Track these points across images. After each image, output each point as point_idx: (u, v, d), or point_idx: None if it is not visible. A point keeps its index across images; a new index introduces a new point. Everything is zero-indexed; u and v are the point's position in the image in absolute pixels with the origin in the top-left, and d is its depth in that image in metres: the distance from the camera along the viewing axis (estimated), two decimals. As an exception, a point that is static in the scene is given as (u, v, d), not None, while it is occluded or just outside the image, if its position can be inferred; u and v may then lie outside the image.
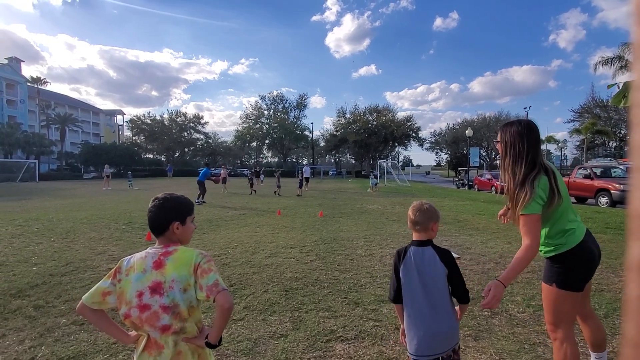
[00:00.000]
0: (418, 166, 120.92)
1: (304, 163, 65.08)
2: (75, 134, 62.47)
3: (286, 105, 63.24)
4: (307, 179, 19.93)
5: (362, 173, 50.66)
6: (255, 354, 2.81)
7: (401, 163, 73.47)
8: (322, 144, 64.68)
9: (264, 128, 60.74)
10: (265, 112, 62.30)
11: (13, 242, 6.66)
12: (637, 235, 0.21)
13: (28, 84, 54.74)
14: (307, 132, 61.27)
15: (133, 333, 1.50)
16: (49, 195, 18.27)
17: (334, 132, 58.34)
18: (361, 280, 4.58)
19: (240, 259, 5.54)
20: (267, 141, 61.95)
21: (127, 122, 64.74)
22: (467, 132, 27.89)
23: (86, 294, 1.44)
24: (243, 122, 61.85)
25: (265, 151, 68.98)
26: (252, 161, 70.05)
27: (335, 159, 72.85)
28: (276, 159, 70.77)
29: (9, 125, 43.46)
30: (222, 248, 6.29)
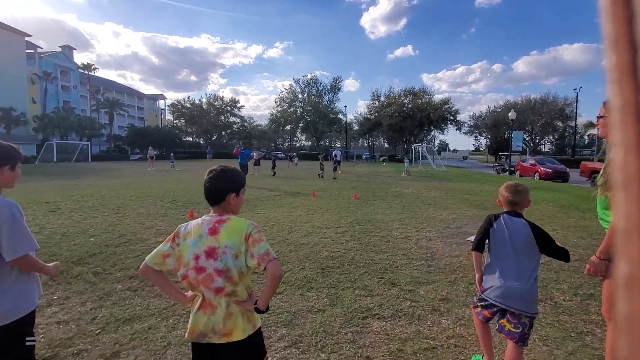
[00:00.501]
0: (455, 151, 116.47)
1: (337, 147, 64.87)
2: (122, 118, 66.18)
3: (320, 88, 62.81)
4: (338, 163, 19.83)
5: (396, 157, 49.59)
6: (294, 326, 2.92)
7: (437, 147, 70.98)
8: (356, 127, 63.86)
9: (298, 111, 60.87)
10: (300, 96, 62.29)
11: (72, 215, 7.29)
12: (623, 252, 0.21)
13: (79, 70, 58.35)
14: (340, 116, 60.73)
15: (189, 293, 1.61)
16: (100, 174, 19.68)
17: (368, 116, 57.27)
18: (397, 261, 4.56)
19: (277, 238, 5.71)
20: (300, 124, 62.12)
21: (168, 106, 67.37)
22: (510, 114, 26.14)
23: (148, 256, 1.55)
24: (277, 106, 62.34)
25: (299, 134, 69.30)
26: (286, 144, 70.81)
27: (368, 143, 71.79)
28: (310, 143, 71.00)
29: (64, 109, 46.87)
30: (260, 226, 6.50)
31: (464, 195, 11.43)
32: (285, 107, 61.48)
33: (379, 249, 5.10)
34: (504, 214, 2.25)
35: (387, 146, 67.73)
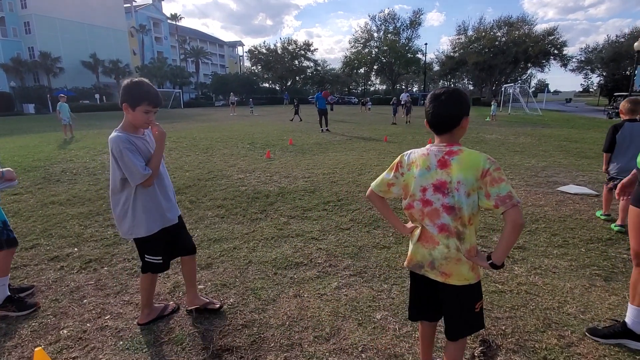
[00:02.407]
0: (556, 92, 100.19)
1: (414, 89, 60.71)
2: (206, 66, 70.27)
3: (398, 25, 57.55)
4: (401, 106, 18.65)
5: (482, 100, 44.59)
6: (360, 258, 3.10)
7: (533, 88, 61.60)
8: (436, 68, 58.35)
9: (373, 52, 57.43)
10: (375, 34, 58.20)
11: (171, 154, 8.36)
12: None
13: (169, 21, 62.25)
14: (419, 55, 55.80)
15: (409, 224, 1.59)
16: (191, 119, 21.76)
17: (451, 53, 51.48)
18: (470, 207, 4.37)
19: (347, 179, 5.85)
20: (375, 67, 58.94)
21: (246, 52, 69.23)
22: (636, 44, 20.63)
23: (374, 183, 1.57)
24: (351, 47, 59.46)
25: (373, 78, 66.24)
26: (360, 89, 68.49)
27: (450, 84, 65.58)
28: (384, 87, 67.56)
29: (158, 59, 51.47)
30: (330, 167, 6.70)
31: (561, 142, 10.06)
32: (359, 48, 58.43)
33: (452, 195, 4.92)
34: (626, 122, 3.58)
35: (471, 88, 61.10)
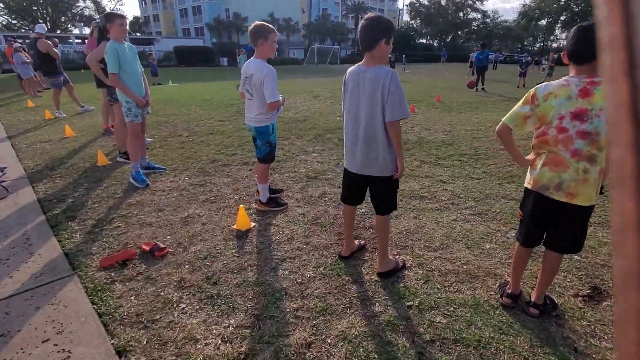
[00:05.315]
0: None
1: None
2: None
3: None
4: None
5: None
6: (484, 203, 3.27)
7: None
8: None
9: (562, 0, 45.97)
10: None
11: (326, 102, 9.48)
12: (619, 249, 0.20)
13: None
14: None
15: (530, 156, 1.73)
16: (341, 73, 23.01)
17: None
18: None
19: (491, 136, 5.60)
20: (562, 18, 47.31)
21: (406, 5, 65.86)
22: None
23: (506, 117, 1.66)
24: (535, -7, 49.03)
25: (558, 32, 53.53)
26: (537, 46, 56.62)
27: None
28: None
29: (322, 16, 54.56)
30: (474, 125, 6.48)
31: None
32: (546, -6, 47.61)
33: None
34: None
35: None
